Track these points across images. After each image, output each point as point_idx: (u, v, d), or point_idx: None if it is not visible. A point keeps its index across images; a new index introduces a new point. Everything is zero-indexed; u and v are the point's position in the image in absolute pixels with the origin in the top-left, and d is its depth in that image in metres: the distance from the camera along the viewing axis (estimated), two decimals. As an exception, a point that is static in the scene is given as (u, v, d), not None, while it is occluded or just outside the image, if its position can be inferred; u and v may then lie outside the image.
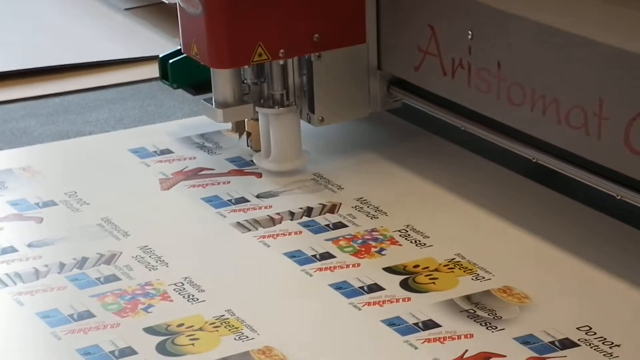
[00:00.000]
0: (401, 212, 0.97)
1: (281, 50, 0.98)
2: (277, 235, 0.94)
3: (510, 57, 0.91)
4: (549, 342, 0.79)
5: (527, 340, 0.79)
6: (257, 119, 1.04)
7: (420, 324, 0.82)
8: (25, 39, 1.38)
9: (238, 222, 0.97)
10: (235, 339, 0.81)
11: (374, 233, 0.94)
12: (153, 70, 1.29)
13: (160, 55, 1.08)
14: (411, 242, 0.92)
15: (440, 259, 0.90)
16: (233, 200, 1.00)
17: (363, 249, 0.92)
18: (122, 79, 1.27)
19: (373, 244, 0.92)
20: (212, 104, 1.02)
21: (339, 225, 0.95)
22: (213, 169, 1.06)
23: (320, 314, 0.84)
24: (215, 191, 1.02)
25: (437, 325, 0.81)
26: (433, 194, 1.00)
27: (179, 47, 1.04)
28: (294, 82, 1.02)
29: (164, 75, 1.08)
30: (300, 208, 0.98)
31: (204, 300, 0.86)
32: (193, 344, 0.81)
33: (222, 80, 1.01)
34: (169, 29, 1.39)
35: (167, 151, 1.10)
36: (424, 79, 1.00)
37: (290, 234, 0.94)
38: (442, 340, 0.80)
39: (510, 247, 0.91)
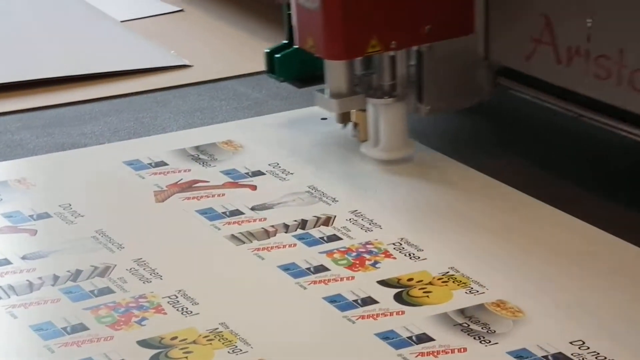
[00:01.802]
0: (396, 225, 0.97)
1: (393, 42, 1.02)
2: (272, 247, 0.94)
3: (633, 43, 0.91)
4: (542, 357, 0.79)
5: (520, 355, 0.79)
6: (364, 110, 1.07)
7: (414, 338, 0.82)
8: (20, 50, 1.39)
9: (232, 235, 0.97)
10: (229, 352, 0.81)
11: (368, 246, 0.94)
12: (148, 83, 1.29)
13: (266, 50, 1.13)
14: (405, 255, 0.93)
15: (435, 273, 0.90)
16: (227, 213, 1.00)
17: (357, 262, 0.92)
18: (117, 91, 1.28)
19: (367, 257, 0.92)
20: (325, 95, 1.06)
21: (333, 238, 0.95)
22: (208, 181, 1.06)
23: (314, 327, 0.84)
24: (209, 203, 1.02)
25: (431, 339, 0.81)
26: (427, 207, 1.01)
27: (284, 41, 1.09)
28: (402, 73, 1.06)
29: (270, 69, 1.12)
30: (295, 220, 0.98)
31: (197, 313, 0.85)
32: (187, 357, 0.80)
33: (336, 71, 1.05)
34: (165, 41, 1.40)
35: (162, 163, 1.10)
36: (536, 67, 1.01)
37: (284, 246, 0.94)
38: (435, 354, 0.80)
39: (505, 261, 0.91)
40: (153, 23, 1.46)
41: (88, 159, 1.12)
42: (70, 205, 1.02)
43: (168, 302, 0.87)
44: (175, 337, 0.82)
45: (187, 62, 1.33)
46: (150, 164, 1.10)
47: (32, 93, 1.28)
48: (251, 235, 0.96)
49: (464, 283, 0.88)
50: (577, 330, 0.81)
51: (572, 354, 0.79)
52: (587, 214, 0.97)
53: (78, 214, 1.01)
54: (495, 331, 0.82)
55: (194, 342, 0.82)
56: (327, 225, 0.97)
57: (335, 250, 0.93)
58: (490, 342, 0.81)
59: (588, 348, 0.80)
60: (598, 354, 0.79)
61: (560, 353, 0.79)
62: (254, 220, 0.99)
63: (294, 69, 1.11)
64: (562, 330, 0.81)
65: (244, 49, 1.36)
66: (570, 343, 0.80)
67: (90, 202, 1.03)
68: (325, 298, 0.87)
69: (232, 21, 1.45)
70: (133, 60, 1.34)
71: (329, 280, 0.89)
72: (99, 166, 1.10)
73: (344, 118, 1.10)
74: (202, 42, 1.40)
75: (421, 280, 0.89)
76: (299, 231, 0.96)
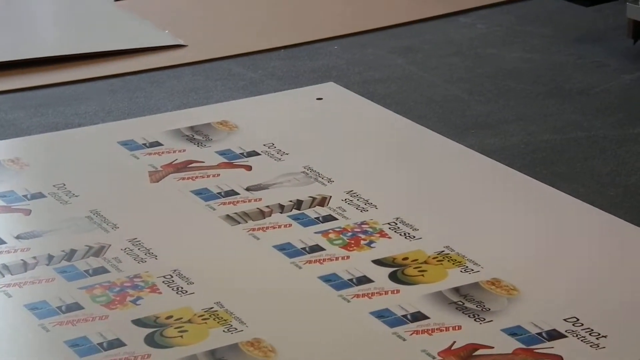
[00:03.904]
0: (391, 205, 0.97)
1: None
2: (267, 228, 0.94)
3: None
4: (537, 334, 0.79)
5: (514, 332, 0.79)
6: None
7: (408, 316, 0.82)
8: (13, 30, 1.38)
9: (228, 215, 0.96)
10: (224, 331, 0.81)
11: (363, 226, 0.94)
12: (143, 62, 1.28)
13: None
14: (400, 234, 0.93)
15: (430, 252, 0.90)
16: (223, 193, 1.00)
17: (352, 242, 0.92)
18: (111, 71, 1.27)
19: (362, 236, 0.92)
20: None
21: (328, 218, 0.95)
22: (203, 162, 1.06)
23: (309, 306, 0.84)
24: (204, 184, 1.02)
25: (426, 317, 0.81)
26: (422, 187, 1.00)
27: None
28: None
29: None
30: (290, 201, 0.98)
31: (192, 293, 0.85)
32: (182, 336, 0.80)
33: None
34: (158, 20, 1.39)
35: (157, 144, 1.10)
36: None
37: (279, 226, 0.94)
38: (430, 332, 0.80)
39: (499, 239, 0.92)
40: (147, 2, 1.45)
41: (82, 139, 1.12)
42: (64, 185, 1.02)
43: (163, 282, 0.87)
44: (171, 317, 0.82)
45: (181, 42, 1.33)
46: (144, 144, 1.10)
47: (25, 72, 1.27)
48: (246, 216, 0.96)
49: (459, 262, 0.88)
50: (571, 307, 0.82)
51: (566, 331, 0.79)
52: (587, 193, 0.98)
53: (72, 194, 1.01)
54: (489, 309, 0.82)
55: (189, 321, 0.82)
56: (323, 206, 0.97)
57: (330, 230, 0.93)
58: (484, 319, 0.81)
59: (582, 325, 0.80)
60: (592, 330, 0.79)
61: (554, 330, 0.80)
62: (249, 201, 0.98)
63: None
64: (556, 308, 0.82)
65: (239, 29, 1.36)
66: (564, 320, 0.80)
67: (85, 182, 1.02)
68: (320, 277, 0.87)
69: (227, 0, 1.44)
70: (127, 40, 1.33)
71: (324, 260, 0.89)
72: (93, 146, 1.10)
73: (635, 33, 1.09)
74: (197, 21, 1.39)
75: (416, 260, 0.89)
76: (294, 211, 0.96)
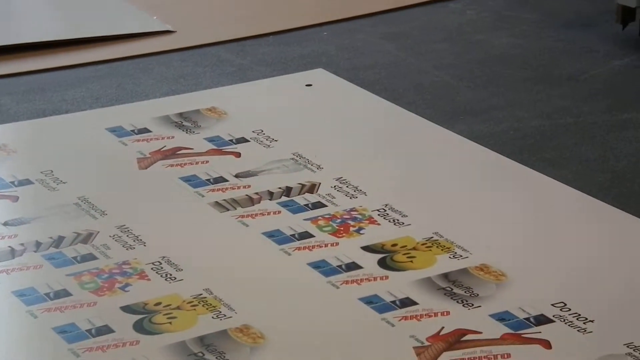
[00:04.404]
0: (380, 192, 0.97)
1: None
2: (256, 215, 0.94)
3: None
4: (524, 319, 0.80)
5: (502, 317, 0.80)
6: None
7: (397, 302, 0.82)
8: (0, 15, 1.37)
9: (216, 202, 0.96)
10: (212, 317, 0.81)
11: (352, 213, 0.94)
12: (131, 49, 1.27)
13: None
14: (390, 221, 0.93)
15: (419, 238, 0.90)
16: (211, 180, 1.00)
17: (342, 229, 0.92)
18: (99, 57, 1.26)
19: (352, 223, 0.92)
20: None
21: (318, 205, 0.95)
22: (191, 149, 1.06)
23: (298, 293, 0.84)
24: (193, 170, 1.01)
25: (414, 303, 0.82)
26: (411, 173, 1.00)
27: None
28: None
29: None
30: (279, 188, 0.98)
31: (181, 280, 0.85)
32: (170, 323, 0.80)
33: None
34: (146, 6, 1.38)
35: (145, 130, 1.09)
36: None
37: (269, 213, 0.94)
38: (418, 317, 0.80)
39: (488, 226, 0.92)
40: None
41: (70, 126, 1.11)
42: (52, 171, 1.02)
43: (152, 269, 0.87)
44: (159, 303, 0.82)
45: (170, 28, 1.32)
46: (133, 130, 1.09)
47: (12, 58, 1.26)
48: (235, 203, 0.96)
49: (448, 248, 0.88)
50: (559, 292, 0.82)
51: (553, 316, 0.80)
52: (576, 178, 0.98)
53: (60, 181, 1.00)
54: (478, 295, 0.82)
55: (178, 307, 0.82)
56: (312, 193, 0.97)
57: (319, 217, 0.93)
58: (473, 305, 0.81)
59: (569, 310, 0.80)
60: (579, 315, 0.80)
61: (542, 315, 0.80)
62: (238, 188, 0.98)
63: None
64: (544, 293, 0.82)
65: (228, 15, 1.35)
66: (552, 305, 0.81)
67: (73, 169, 1.02)
68: (309, 264, 0.87)
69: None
70: (115, 25, 1.32)
71: (313, 247, 0.89)
72: (81, 133, 1.09)
73: (623, 18, 1.07)
74: (186, 7, 1.38)
75: (405, 246, 0.89)
76: (284, 198, 0.96)
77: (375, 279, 0.85)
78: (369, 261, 0.87)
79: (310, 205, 0.95)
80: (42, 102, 1.17)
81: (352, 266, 0.86)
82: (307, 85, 1.17)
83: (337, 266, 0.87)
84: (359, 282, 0.84)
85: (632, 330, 0.78)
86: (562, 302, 0.81)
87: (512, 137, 1.07)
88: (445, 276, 0.85)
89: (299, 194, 0.97)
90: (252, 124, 1.09)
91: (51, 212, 0.95)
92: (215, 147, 1.06)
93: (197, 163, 1.03)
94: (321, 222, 0.93)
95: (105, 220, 0.93)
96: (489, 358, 0.76)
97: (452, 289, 0.83)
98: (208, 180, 1.00)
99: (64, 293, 0.84)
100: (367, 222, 0.92)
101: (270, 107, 1.13)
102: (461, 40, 1.27)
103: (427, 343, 0.78)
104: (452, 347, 0.77)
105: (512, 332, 0.78)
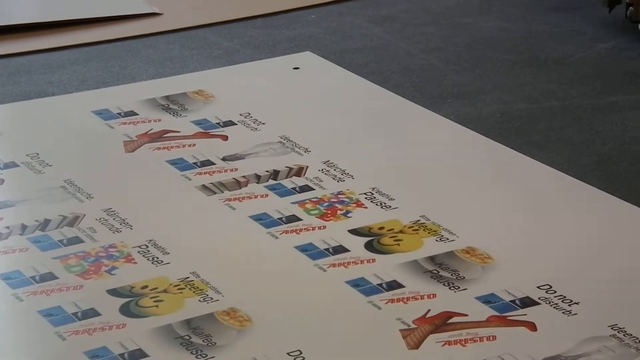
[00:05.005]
0: (367, 175, 0.97)
1: None
2: (243, 198, 0.94)
3: None
4: (510, 301, 0.80)
5: (488, 300, 0.80)
6: None
7: (384, 285, 0.82)
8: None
9: (203, 185, 0.96)
10: (199, 300, 0.81)
11: (340, 196, 0.94)
12: (118, 31, 1.27)
13: None
14: (377, 204, 0.93)
15: (405, 221, 0.90)
16: (199, 163, 1.00)
17: (329, 212, 0.92)
18: (85, 39, 1.25)
19: (339, 206, 0.92)
20: None
21: (305, 189, 0.95)
22: (178, 132, 1.05)
23: (285, 276, 0.84)
24: (180, 154, 1.01)
25: (401, 286, 0.82)
26: (399, 157, 1.01)
27: None
28: None
29: None
30: (267, 171, 0.98)
31: (168, 263, 0.85)
32: (157, 306, 0.80)
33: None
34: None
35: (132, 113, 1.09)
36: None
37: (256, 197, 0.94)
38: (405, 300, 0.80)
39: (474, 208, 0.92)
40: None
41: (56, 109, 1.11)
42: (38, 154, 1.01)
43: (138, 252, 0.87)
44: (146, 286, 0.82)
45: (156, 10, 1.31)
46: (119, 113, 1.09)
47: (-3, 41, 1.25)
48: (222, 186, 0.96)
49: (435, 231, 0.89)
50: (545, 275, 0.83)
51: (539, 298, 0.80)
52: (562, 161, 0.98)
53: (46, 164, 1.00)
54: (464, 277, 0.83)
55: (165, 290, 0.82)
56: (300, 176, 0.97)
57: (307, 201, 0.93)
58: (459, 288, 0.82)
59: (555, 292, 0.81)
60: (564, 297, 0.80)
61: (527, 297, 0.80)
62: (225, 171, 0.98)
63: None
64: (530, 276, 0.83)
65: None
66: (538, 287, 0.81)
67: (59, 152, 1.01)
68: (296, 247, 0.87)
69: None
70: (102, 7, 1.31)
71: (300, 230, 0.89)
72: (67, 116, 1.09)
73: (611, 1, 1.08)
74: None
75: (392, 229, 0.89)
76: (271, 182, 0.96)
77: (362, 262, 0.85)
78: (356, 244, 0.87)
79: (297, 189, 0.95)
80: (27, 85, 1.16)
81: (339, 249, 0.87)
82: (294, 68, 1.17)
83: (324, 249, 0.87)
84: (345, 265, 0.85)
85: (617, 312, 0.78)
86: (548, 285, 0.82)
87: (499, 120, 1.07)
88: (432, 259, 0.85)
89: (286, 177, 0.97)
90: (239, 107, 1.09)
91: (37, 195, 0.94)
92: (202, 130, 1.06)
93: (184, 146, 1.03)
94: (308, 206, 0.93)
95: (91, 204, 0.93)
96: (475, 340, 0.76)
97: (438, 272, 0.83)
98: (195, 163, 1.00)
99: (50, 276, 0.84)
100: (355, 205, 0.93)
101: (257, 90, 1.13)
102: (448, 23, 1.27)
103: (413, 326, 0.78)
104: (439, 330, 0.77)
105: (498, 314, 0.79)
